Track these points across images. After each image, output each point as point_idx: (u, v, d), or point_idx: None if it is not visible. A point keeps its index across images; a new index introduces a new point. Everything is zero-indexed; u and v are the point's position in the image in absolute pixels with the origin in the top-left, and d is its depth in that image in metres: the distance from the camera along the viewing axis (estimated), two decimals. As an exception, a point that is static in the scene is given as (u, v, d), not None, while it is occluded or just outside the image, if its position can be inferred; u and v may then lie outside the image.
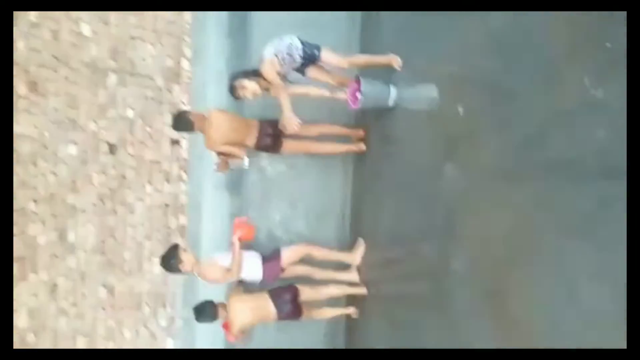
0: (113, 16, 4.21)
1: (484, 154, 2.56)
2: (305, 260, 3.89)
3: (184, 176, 4.41)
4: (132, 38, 4.29)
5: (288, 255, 3.76)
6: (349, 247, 4.37)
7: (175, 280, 4.58)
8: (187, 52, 4.47)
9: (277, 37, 3.41)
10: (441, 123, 2.95)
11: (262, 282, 3.76)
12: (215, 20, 4.44)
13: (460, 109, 2.75)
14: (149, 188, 4.37)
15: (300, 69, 3.52)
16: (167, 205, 4.42)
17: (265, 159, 4.24)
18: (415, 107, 3.23)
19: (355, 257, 3.92)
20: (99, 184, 4.25)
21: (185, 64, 4.46)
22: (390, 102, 3.45)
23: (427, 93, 3.08)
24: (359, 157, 4.18)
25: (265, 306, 3.59)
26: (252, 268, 3.68)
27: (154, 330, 4.60)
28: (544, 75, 2.17)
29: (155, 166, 4.36)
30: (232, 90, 3.45)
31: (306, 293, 3.72)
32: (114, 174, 4.27)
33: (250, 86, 3.40)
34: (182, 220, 4.54)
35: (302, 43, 3.39)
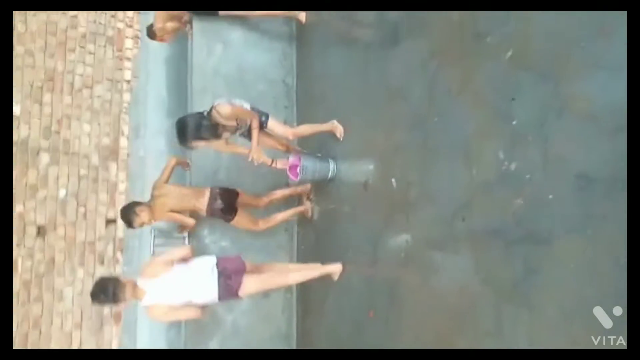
0: (47, 96, 4.14)
1: (419, 224, 2.68)
2: None
3: (120, 257, 4.18)
4: (67, 117, 4.22)
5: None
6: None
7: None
8: (126, 130, 4.43)
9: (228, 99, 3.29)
10: (377, 195, 3.08)
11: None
12: (155, 99, 4.50)
13: (394, 182, 2.90)
14: (80, 272, 4.09)
15: (246, 134, 3.46)
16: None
17: (206, 228, 4.10)
18: (353, 180, 3.36)
19: None
20: (24, 270, 3.93)
21: (123, 142, 4.40)
22: (330, 175, 3.57)
23: (363, 166, 3.24)
24: (303, 230, 4.19)
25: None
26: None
27: None
28: (464, 151, 2.38)
29: (88, 247, 4.12)
30: (185, 142, 3.24)
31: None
32: (40, 258, 3.97)
33: (207, 144, 3.28)
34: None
35: (252, 108, 3.38)
